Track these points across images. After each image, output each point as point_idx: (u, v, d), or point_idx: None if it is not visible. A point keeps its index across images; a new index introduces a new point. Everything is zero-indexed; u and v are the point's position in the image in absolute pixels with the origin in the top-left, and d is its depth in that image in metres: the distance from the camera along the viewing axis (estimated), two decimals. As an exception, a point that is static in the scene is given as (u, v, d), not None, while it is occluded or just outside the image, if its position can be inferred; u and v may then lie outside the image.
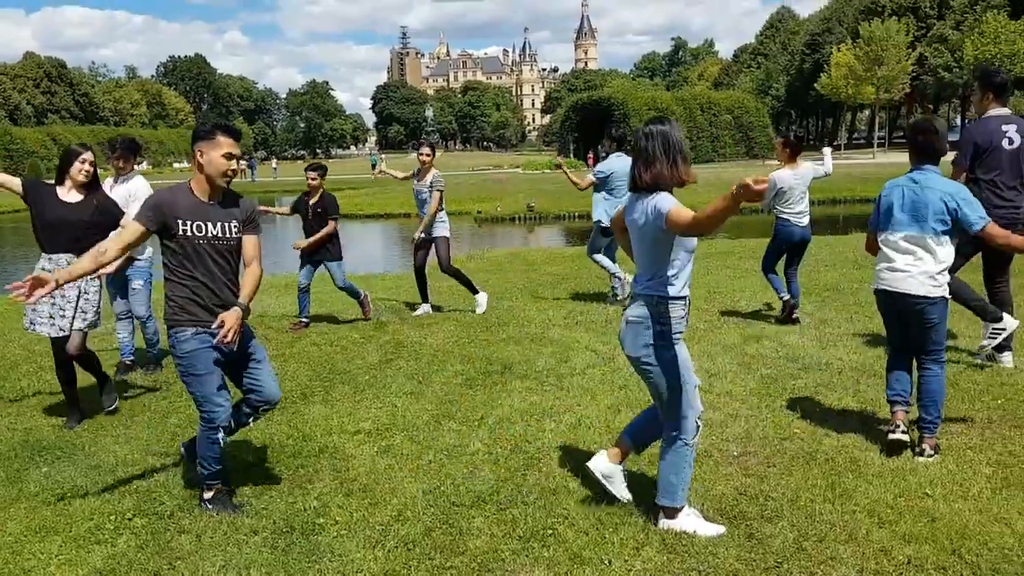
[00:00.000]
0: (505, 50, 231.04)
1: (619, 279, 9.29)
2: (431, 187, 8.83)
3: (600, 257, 9.39)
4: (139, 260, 6.80)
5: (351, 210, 33.69)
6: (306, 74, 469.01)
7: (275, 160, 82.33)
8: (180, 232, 4.06)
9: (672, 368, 3.84)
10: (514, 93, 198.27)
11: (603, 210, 9.13)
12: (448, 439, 5.21)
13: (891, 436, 4.72)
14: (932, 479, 4.32)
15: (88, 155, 5.73)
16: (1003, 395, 5.55)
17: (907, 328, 4.85)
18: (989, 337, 6.01)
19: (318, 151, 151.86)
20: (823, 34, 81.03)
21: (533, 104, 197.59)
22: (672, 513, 3.92)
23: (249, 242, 4.26)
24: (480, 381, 6.44)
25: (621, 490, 4.21)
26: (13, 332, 8.93)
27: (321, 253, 8.65)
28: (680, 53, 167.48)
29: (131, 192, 6.74)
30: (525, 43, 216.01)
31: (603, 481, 4.20)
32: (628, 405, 5.70)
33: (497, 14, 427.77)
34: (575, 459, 4.77)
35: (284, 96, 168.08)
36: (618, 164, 8.94)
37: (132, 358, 7.17)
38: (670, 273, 3.80)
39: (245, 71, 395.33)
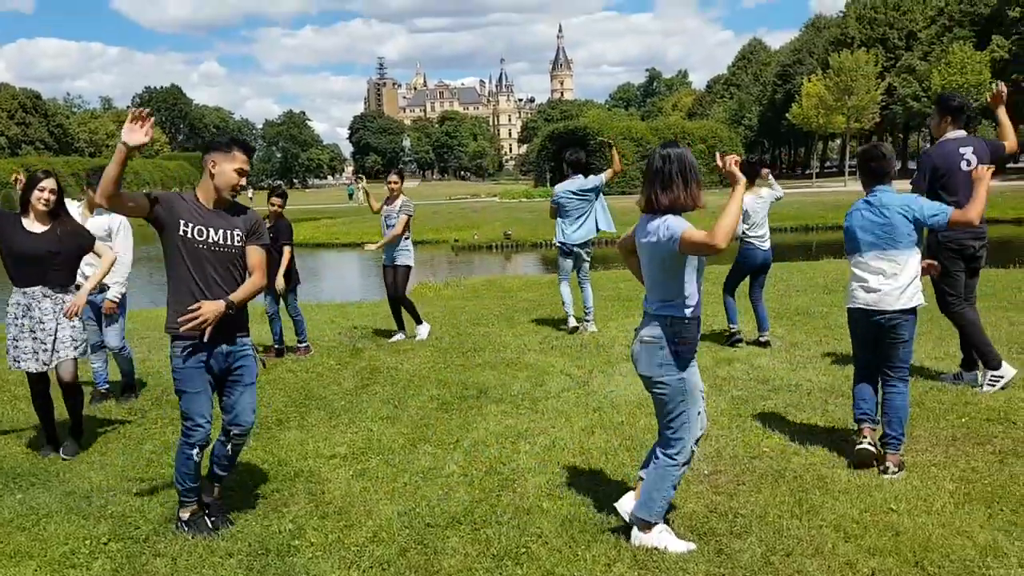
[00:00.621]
0: (482, 81, 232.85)
1: (570, 315, 9.38)
2: (399, 211, 8.94)
3: (564, 290, 9.39)
4: (112, 287, 6.75)
5: (327, 239, 33.70)
6: (283, 104, 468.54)
7: (251, 190, 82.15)
8: (181, 232, 4.10)
9: (682, 390, 3.93)
10: (491, 123, 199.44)
11: (559, 229, 9.28)
12: (423, 462, 5.25)
13: (859, 446, 4.83)
14: (897, 495, 4.42)
15: (48, 182, 5.46)
16: (967, 414, 5.67)
17: (877, 346, 4.99)
18: (989, 384, 6.17)
19: (295, 181, 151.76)
20: (794, 65, 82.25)
21: (510, 134, 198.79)
22: (646, 527, 3.98)
23: (253, 252, 4.31)
24: (456, 405, 6.49)
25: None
26: (-14, 361, 8.87)
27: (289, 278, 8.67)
28: (655, 84, 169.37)
29: (110, 224, 6.68)
30: (502, 74, 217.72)
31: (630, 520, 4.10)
32: (602, 427, 5.78)
33: (474, 45, 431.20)
34: (549, 480, 4.84)
35: (261, 127, 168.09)
36: (571, 186, 9.15)
37: (107, 386, 7.16)
38: (685, 294, 3.88)
39: (221, 102, 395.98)
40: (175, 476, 4.32)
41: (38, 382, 5.64)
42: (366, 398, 6.84)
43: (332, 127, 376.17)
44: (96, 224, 6.57)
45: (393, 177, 9.16)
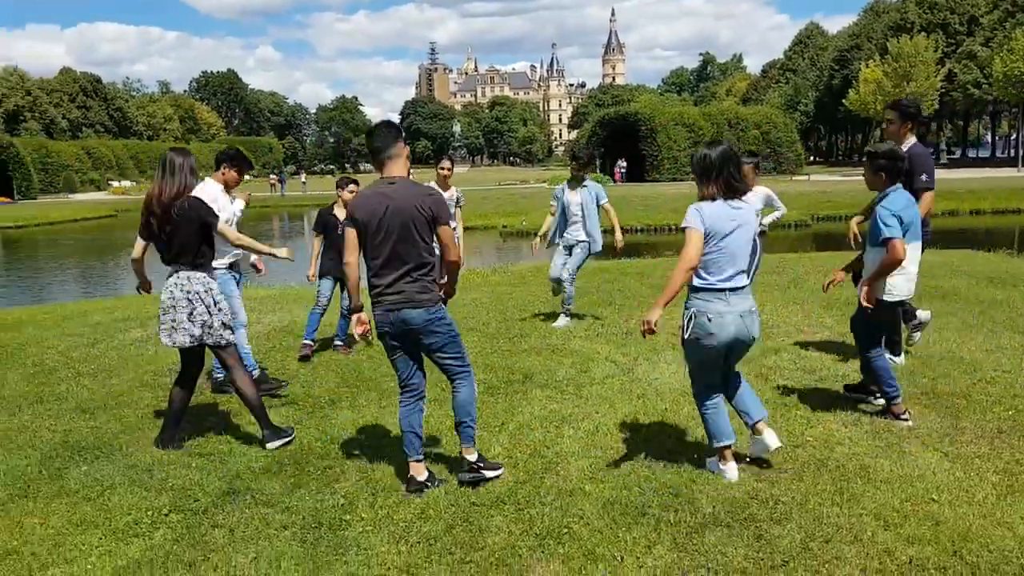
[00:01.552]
0: (533, 65, 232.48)
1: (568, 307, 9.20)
2: (457, 203, 8.98)
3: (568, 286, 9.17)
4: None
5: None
6: (336, 89, 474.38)
7: (304, 174, 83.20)
8: None
9: None
10: (541, 108, 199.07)
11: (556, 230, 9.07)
12: (470, 443, 5.38)
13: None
14: (939, 485, 4.44)
15: None
16: (1014, 406, 5.64)
17: None
18: (913, 332, 7.15)
19: (347, 165, 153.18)
20: (851, 50, 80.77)
21: (560, 119, 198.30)
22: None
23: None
24: (502, 389, 6.62)
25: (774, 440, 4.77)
26: (51, 339, 9.24)
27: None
28: (708, 68, 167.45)
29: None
30: (553, 58, 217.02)
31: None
32: (645, 413, 5.85)
33: (525, 30, 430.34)
34: (592, 464, 4.94)
35: (314, 111, 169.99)
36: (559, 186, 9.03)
37: (256, 369, 6.91)
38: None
39: (276, 86, 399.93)
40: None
41: (188, 359, 5.54)
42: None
43: (384, 112, 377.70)
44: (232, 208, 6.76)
45: (446, 163, 9.00)
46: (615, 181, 56.23)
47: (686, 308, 4.61)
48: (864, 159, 5.72)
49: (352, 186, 8.24)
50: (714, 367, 4.72)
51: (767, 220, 8.38)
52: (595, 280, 12.83)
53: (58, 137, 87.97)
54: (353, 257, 4.64)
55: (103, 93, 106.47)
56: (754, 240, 4.58)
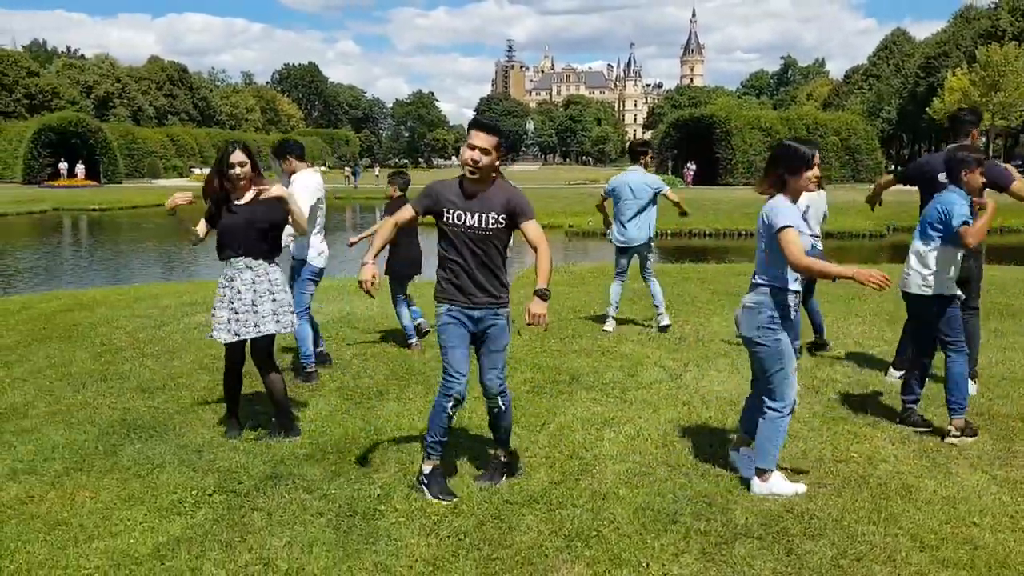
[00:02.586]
0: (609, 65, 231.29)
1: (610, 317, 9.08)
2: None
3: (613, 288, 9.11)
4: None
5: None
6: (413, 84, 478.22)
7: (378, 167, 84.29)
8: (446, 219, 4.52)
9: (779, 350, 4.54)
10: (616, 108, 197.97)
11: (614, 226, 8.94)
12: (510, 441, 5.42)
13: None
14: (983, 508, 4.33)
15: (236, 155, 5.35)
16: (1074, 433, 5.45)
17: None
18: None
19: (420, 160, 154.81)
20: (939, 57, 78.43)
21: (635, 119, 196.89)
22: (764, 475, 4.54)
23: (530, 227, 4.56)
24: (547, 389, 6.65)
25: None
26: (120, 319, 9.59)
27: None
28: (789, 72, 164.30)
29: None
30: (630, 58, 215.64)
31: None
32: (689, 421, 5.82)
33: (603, 28, 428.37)
34: (629, 468, 4.94)
35: (390, 106, 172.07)
36: (620, 179, 8.86)
37: (312, 362, 7.04)
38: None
39: (355, 80, 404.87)
40: (428, 426, 4.66)
41: (231, 354, 5.51)
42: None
43: (459, 108, 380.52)
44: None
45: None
46: (686, 183, 55.66)
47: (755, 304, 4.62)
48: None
49: (400, 179, 8.42)
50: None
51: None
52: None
53: (144, 124, 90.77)
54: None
55: (189, 82, 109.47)
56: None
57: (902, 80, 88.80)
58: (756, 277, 4.59)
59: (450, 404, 4.57)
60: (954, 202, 5.34)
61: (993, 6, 75.83)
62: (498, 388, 4.67)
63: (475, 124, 4.47)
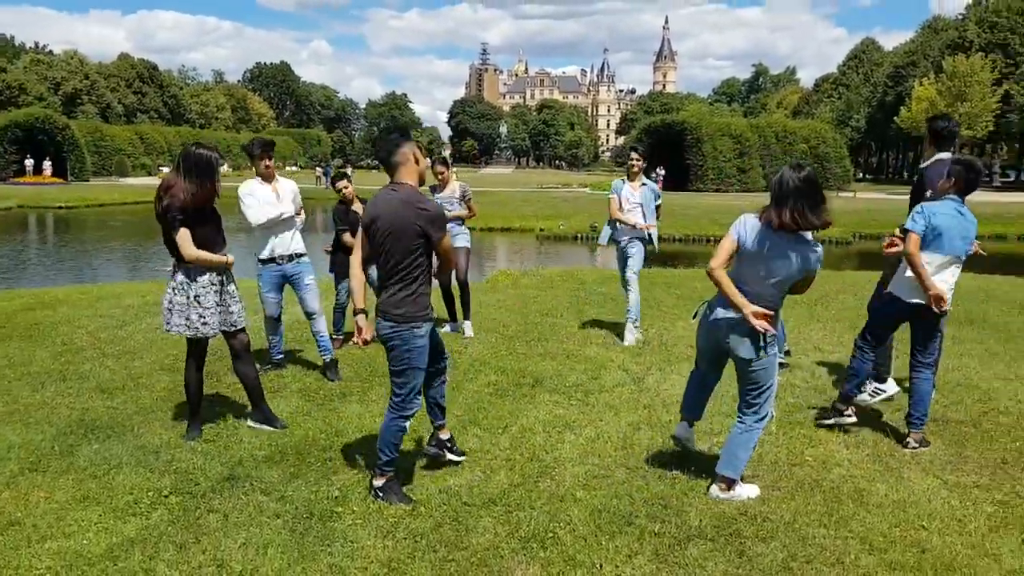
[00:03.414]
0: (583, 70, 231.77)
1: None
2: (463, 198, 8.87)
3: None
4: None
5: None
6: (387, 85, 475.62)
7: (351, 168, 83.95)
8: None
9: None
10: (590, 113, 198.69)
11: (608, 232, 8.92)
12: (471, 443, 5.45)
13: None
14: (932, 512, 4.41)
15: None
16: (1022, 438, 5.57)
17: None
18: (870, 395, 6.09)
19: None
20: (907, 67, 79.36)
21: (608, 125, 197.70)
22: (729, 483, 4.56)
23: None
24: (510, 392, 6.67)
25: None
26: (82, 319, 9.49)
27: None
28: (760, 80, 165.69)
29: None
30: (604, 63, 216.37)
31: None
32: (649, 424, 5.87)
33: (578, 33, 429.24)
34: (588, 471, 4.98)
35: (364, 107, 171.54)
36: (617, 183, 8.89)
37: (281, 356, 7.48)
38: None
39: (328, 80, 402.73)
40: (380, 446, 4.57)
41: (198, 351, 5.54)
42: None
43: (433, 110, 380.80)
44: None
45: (439, 167, 8.86)
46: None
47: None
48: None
49: (344, 181, 8.32)
50: None
51: None
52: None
53: (113, 121, 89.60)
54: (357, 257, 4.71)
55: (159, 80, 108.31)
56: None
57: (871, 89, 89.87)
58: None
59: (408, 424, 4.61)
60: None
61: (960, 17, 76.97)
62: None
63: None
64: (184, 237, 5.22)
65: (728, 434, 4.80)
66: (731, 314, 4.48)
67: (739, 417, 4.70)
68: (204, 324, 5.36)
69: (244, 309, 5.65)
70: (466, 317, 8.93)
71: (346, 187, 8.27)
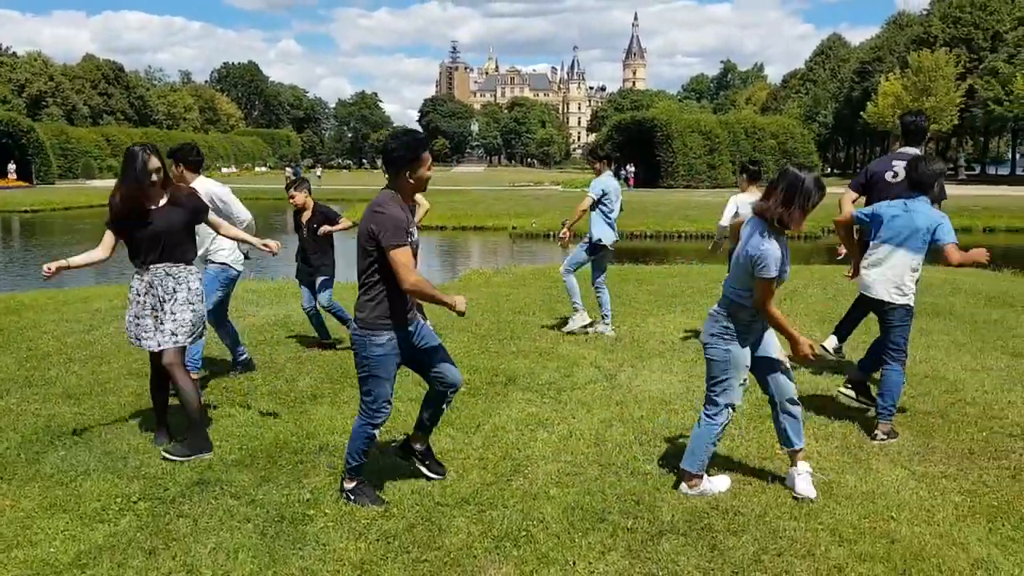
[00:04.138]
0: (554, 67, 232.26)
1: (578, 309, 9.01)
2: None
3: (571, 280, 9.05)
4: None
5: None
6: (356, 84, 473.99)
7: (320, 168, 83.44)
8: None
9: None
10: (560, 111, 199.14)
11: (603, 228, 8.88)
12: (443, 443, 5.43)
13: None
14: (900, 503, 4.46)
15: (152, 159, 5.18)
16: (989, 428, 5.65)
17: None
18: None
19: (364, 161, 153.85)
20: (873, 62, 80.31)
21: (579, 122, 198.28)
22: (694, 480, 4.60)
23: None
24: (483, 391, 6.66)
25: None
26: (48, 324, 9.35)
27: (321, 270, 8.08)
28: (729, 76, 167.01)
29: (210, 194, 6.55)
30: (574, 61, 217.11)
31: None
32: (621, 420, 5.89)
33: (548, 31, 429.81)
34: (560, 468, 4.98)
35: (333, 106, 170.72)
36: (611, 182, 8.90)
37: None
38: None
39: (297, 80, 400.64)
40: (349, 452, 4.51)
41: (158, 362, 5.34)
42: (399, 379, 6.96)
43: (403, 109, 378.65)
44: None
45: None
46: (629, 186, 56.19)
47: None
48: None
49: (292, 190, 8.03)
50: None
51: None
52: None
53: (79, 123, 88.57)
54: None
55: (125, 81, 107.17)
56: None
57: (838, 85, 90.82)
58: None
59: (377, 432, 4.55)
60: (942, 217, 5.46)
61: (925, 13, 77.99)
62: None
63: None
64: (105, 239, 5.34)
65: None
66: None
67: (703, 411, 4.74)
68: (126, 331, 5.35)
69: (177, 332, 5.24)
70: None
71: (292, 197, 8.01)
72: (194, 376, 6.37)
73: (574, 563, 3.84)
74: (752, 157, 57.08)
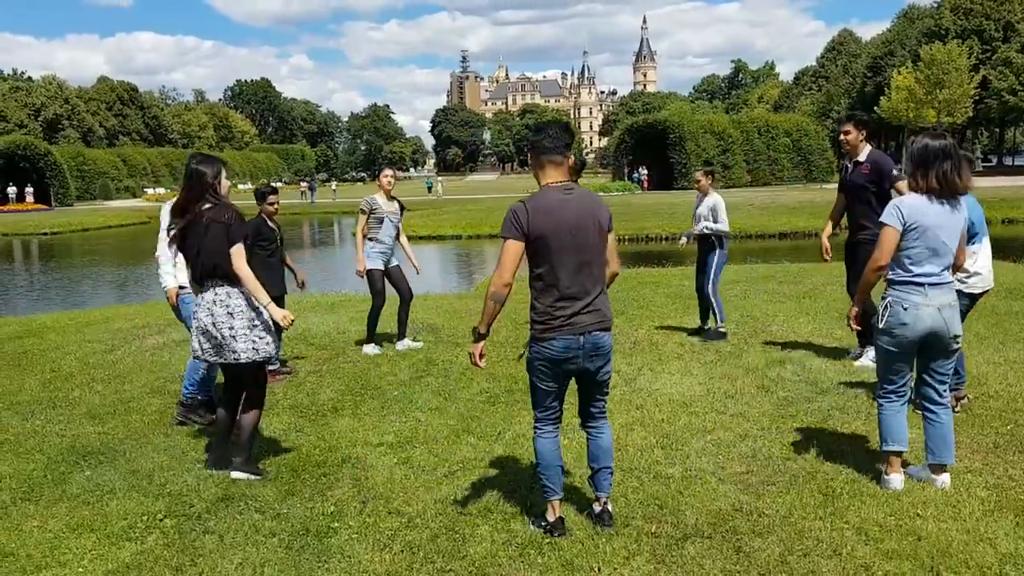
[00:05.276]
0: (564, 73, 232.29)
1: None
2: (400, 213, 8.88)
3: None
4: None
5: (406, 231, 34.12)
6: (368, 97, 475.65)
7: (335, 182, 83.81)
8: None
9: None
10: (572, 116, 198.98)
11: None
12: (465, 452, 5.45)
13: None
14: (925, 500, 4.43)
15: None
16: (1013, 420, 5.60)
17: None
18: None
19: (377, 173, 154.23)
20: (885, 56, 79.93)
21: (591, 127, 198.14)
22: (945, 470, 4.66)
23: None
24: (503, 399, 6.67)
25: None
26: (70, 345, 9.45)
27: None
28: (740, 75, 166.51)
29: None
30: (584, 66, 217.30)
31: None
32: (642, 424, 5.88)
33: (557, 37, 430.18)
34: (582, 474, 4.96)
35: (346, 119, 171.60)
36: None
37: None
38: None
39: (310, 95, 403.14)
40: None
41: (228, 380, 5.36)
42: (418, 389, 7.07)
43: (415, 120, 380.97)
44: None
45: (388, 172, 8.76)
46: (644, 188, 56.13)
47: (883, 299, 4.64)
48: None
49: (273, 197, 7.84)
50: (903, 363, 4.66)
51: (697, 228, 8.81)
52: (611, 289, 12.83)
53: (95, 145, 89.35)
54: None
55: (139, 102, 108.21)
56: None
57: (850, 80, 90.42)
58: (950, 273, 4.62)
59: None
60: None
61: (935, 5, 77.53)
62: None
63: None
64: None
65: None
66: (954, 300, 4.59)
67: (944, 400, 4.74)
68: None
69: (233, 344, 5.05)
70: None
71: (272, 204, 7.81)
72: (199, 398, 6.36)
73: (599, 569, 3.84)
74: (766, 156, 56.72)
